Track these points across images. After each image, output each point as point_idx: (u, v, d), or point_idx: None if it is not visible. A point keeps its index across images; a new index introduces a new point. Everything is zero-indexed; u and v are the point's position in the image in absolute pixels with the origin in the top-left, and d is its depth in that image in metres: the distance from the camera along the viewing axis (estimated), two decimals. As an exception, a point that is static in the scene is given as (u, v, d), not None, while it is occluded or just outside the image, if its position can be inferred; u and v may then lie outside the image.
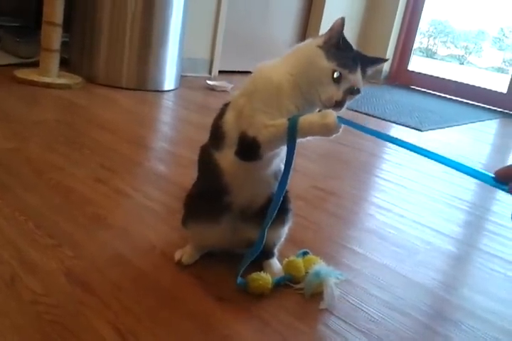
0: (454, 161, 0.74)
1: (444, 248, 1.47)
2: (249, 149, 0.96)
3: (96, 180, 1.52)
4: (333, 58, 0.92)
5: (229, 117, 1.01)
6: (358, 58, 0.94)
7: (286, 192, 1.13)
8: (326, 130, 0.91)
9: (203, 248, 1.16)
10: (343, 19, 0.94)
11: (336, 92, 0.92)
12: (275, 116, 0.93)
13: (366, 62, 0.96)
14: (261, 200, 1.08)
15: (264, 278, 1.06)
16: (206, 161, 1.06)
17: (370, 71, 0.97)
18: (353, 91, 0.94)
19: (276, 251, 1.18)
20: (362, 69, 0.94)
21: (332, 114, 0.90)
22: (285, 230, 1.17)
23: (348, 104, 0.95)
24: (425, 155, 0.81)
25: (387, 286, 1.19)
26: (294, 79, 0.95)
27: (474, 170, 0.71)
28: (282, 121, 0.92)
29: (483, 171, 0.70)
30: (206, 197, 1.08)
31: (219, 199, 1.06)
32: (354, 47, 0.97)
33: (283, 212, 1.13)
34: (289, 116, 0.93)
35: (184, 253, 1.13)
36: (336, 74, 0.91)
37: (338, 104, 0.93)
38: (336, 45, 0.94)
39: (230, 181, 1.03)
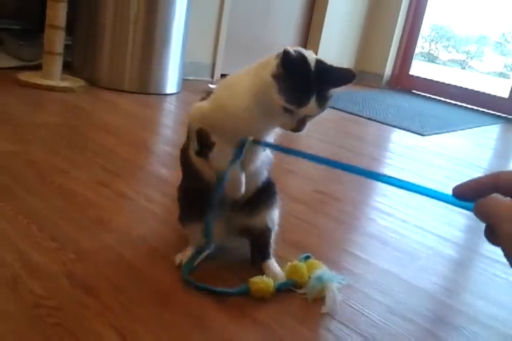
0: (405, 182, 0.64)
1: (446, 253, 1.47)
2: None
3: (98, 183, 1.52)
4: (283, 92, 0.88)
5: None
6: (313, 86, 0.88)
7: (270, 177, 1.16)
8: (230, 190, 1.01)
9: (201, 245, 1.15)
10: (285, 52, 0.87)
11: (289, 122, 0.91)
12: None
13: (326, 86, 0.90)
14: (252, 189, 1.10)
15: (266, 282, 1.06)
16: (187, 163, 1.09)
17: (332, 92, 0.92)
18: (310, 115, 0.92)
19: (271, 250, 1.18)
20: (320, 94, 0.89)
21: (238, 187, 1.00)
22: (276, 213, 1.18)
23: (308, 123, 0.93)
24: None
25: (388, 291, 1.19)
26: (255, 101, 0.93)
27: (430, 190, 0.62)
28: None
29: (441, 191, 0.60)
30: (194, 196, 1.10)
31: (207, 197, 1.05)
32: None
33: (270, 195, 1.16)
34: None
35: (184, 258, 1.14)
36: (285, 108, 0.89)
37: (294, 130, 0.93)
38: (286, 76, 0.88)
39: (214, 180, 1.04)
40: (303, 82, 0.88)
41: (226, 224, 1.14)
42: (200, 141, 1.00)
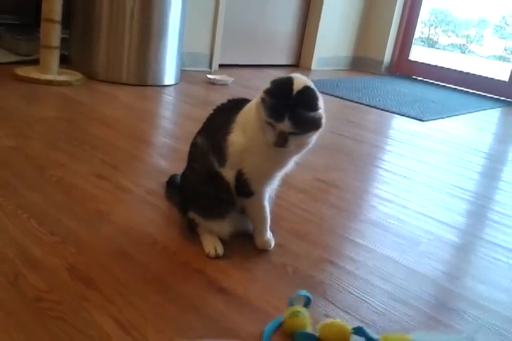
0: None
1: (447, 238, 1.47)
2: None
3: (98, 176, 1.53)
4: (266, 109, 1.04)
5: (236, 139, 1.12)
6: (288, 107, 1.02)
7: None
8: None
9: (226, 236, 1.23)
10: (267, 90, 1.04)
11: (270, 136, 1.05)
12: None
13: (300, 108, 1.03)
14: None
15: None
16: (214, 175, 1.15)
17: (313, 117, 1.05)
18: (291, 133, 1.04)
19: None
20: (294, 114, 1.02)
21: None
22: None
23: (294, 143, 1.06)
24: None
25: (389, 277, 1.19)
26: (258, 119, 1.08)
27: None
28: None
29: None
30: (213, 202, 1.17)
31: (225, 204, 1.17)
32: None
33: None
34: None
35: (216, 246, 1.18)
36: (268, 122, 1.04)
37: (276, 145, 1.05)
38: (268, 98, 1.04)
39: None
40: (280, 102, 1.03)
41: (236, 225, 1.22)
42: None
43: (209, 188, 1.16)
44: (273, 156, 1.11)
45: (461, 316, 1.08)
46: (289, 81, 1.04)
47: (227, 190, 1.15)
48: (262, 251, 1.22)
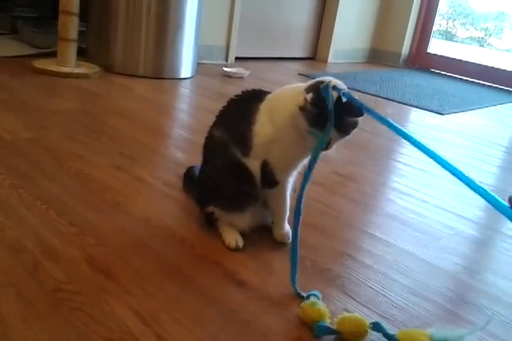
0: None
1: (467, 233, 1.45)
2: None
3: (115, 167, 1.53)
4: (307, 118, 1.04)
5: (262, 130, 1.11)
6: (330, 116, 1.02)
7: None
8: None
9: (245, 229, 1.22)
10: (307, 99, 1.02)
11: (313, 142, 1.06)
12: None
13: (342, 116, 1.03)
14: None
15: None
16: (235, 165, 1.14)
17: (353, 121, 1.07)
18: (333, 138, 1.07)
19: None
20: (338, 122, 1.03)
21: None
22: None
23: (335, 142, 1.10)
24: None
25: (409, 272, 1.18)
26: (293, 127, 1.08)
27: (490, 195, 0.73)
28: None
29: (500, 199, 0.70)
30: (239, 188, 1.16)
31: (247, 196, 1.16)
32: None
33: None
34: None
35: (237, 238, 1.17)
36: (311, 131, 1.05)
37: (322, 150, 1.08)
38: (310, 110, 1.03)
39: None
40: (320, 112, 1.02)
41: (257, 218, 1.23)
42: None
43: (230, 180, 1.15)
44: (302, 146, 1.10)
45: (482, 311, 1.06)
46: (322, 96, 1.03)
47: (249, 180, 1.14)
48: (281, 244, 1.22)
